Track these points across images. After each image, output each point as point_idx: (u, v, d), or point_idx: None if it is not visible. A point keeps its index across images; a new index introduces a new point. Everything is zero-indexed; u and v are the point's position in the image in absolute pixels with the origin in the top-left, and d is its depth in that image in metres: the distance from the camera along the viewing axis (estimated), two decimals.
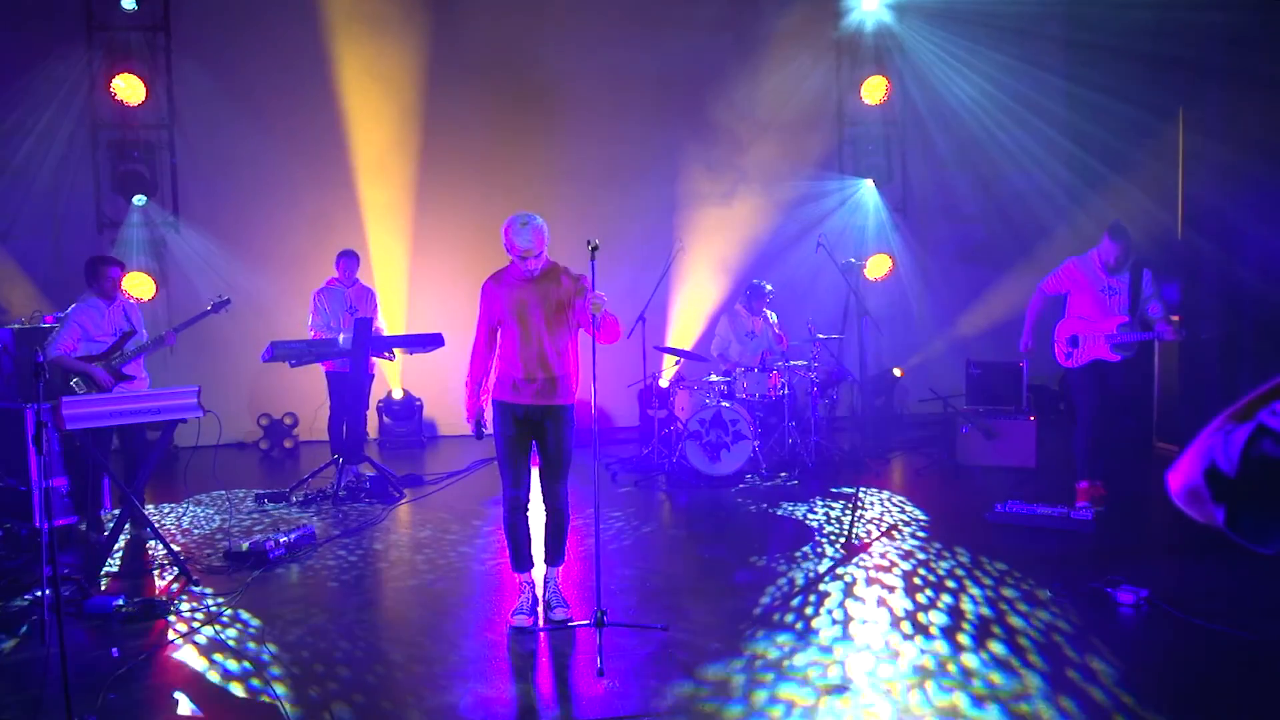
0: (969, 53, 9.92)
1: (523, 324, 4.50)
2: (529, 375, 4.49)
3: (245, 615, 4.83)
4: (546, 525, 4.70)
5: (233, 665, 4.23)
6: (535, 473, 4.71)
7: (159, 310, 8.96)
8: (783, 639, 4.39)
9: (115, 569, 5.64)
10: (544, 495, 4.67)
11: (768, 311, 8.41)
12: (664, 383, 8.40)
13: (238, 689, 4.00)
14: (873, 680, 3.95)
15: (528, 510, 4.70)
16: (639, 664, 4.15)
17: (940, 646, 4.27)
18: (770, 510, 6.82)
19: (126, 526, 5.85)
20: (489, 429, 4.64)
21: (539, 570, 4.83)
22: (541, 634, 4.48)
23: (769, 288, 8.36)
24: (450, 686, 3.99)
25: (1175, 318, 7.92)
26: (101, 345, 6.17)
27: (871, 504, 6.87)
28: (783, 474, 7.78)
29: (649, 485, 7.67)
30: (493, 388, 4.63)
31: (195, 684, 4.09)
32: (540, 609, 4.69)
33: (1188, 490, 1.50)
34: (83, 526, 6.25)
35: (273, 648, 4.40)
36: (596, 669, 3.98)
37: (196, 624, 4.71)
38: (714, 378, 7.98)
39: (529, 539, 4.74)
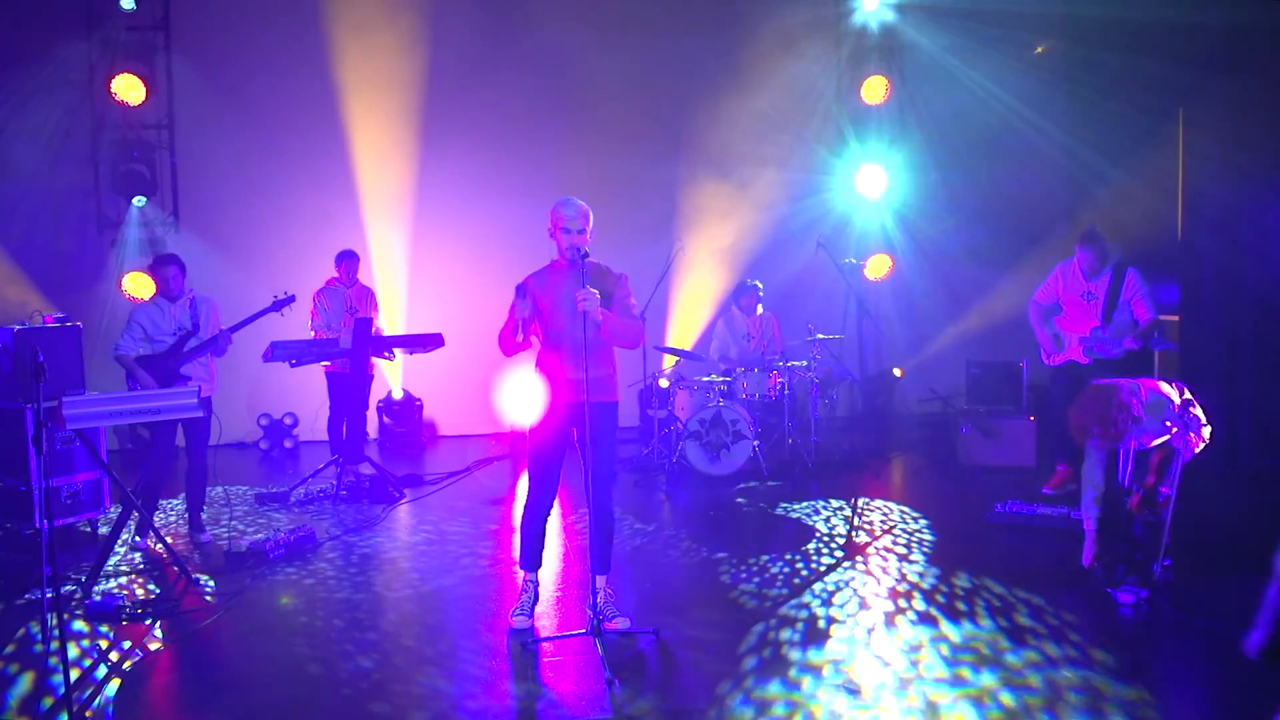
0: (969, 52, 9.91)
1: (565, 321, 4.37)
2: (575, 374, 4.31)
3: (245, 615, 4.83)
4: (594, 530, 4.46)
5: (232, 666, 4.23)
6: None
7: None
8: (783, 639, 4.39)
9: (116, 569, 5.64)
10: (592, 497, 4.41)
11: (765, 312, 8.42)
12: (664, 383, 8.40)
13: (237, 689, 4.00)
14: (873, 680, 3.95)
15: (549, 514, 4.63)
16: (639, 664, 4.15)
17: (940, 645, 4.27)
18: (770, 510, 6.82)
19: (127, 526, 5.85)
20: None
21: (543, 571, 4.79)
22: (596, 642, 4.13)
23: (759, 285, 8.39)
24: (450, 688, 3.99)
25: (1174, 318, 7.95)
26: (162, 345, 6.17)
27: (871, 504, 6.87)
28: (783, 474, 7.77)
29: (649, 485, 7.67)
30: (537, 386, 4.52)
31: (195, 684, 4.09)
32: (592, 619, 4.26)
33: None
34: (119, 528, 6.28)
35: (271, 641, 4.40)
36: (601, 674, 3.97)
37: (196, 624, 4.71)
38: (714, 378, 7.99)
39: (544, 541, 4.68)
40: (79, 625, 4.71)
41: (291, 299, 6.86)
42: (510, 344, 4.49)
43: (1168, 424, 4.68)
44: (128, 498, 5.58)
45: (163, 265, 6.29)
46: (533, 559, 4.66)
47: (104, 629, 4.66)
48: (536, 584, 4.71)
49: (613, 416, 4.53)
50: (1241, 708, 3.70)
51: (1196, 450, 4.80)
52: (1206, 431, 4.79)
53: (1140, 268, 6.58)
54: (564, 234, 4.41)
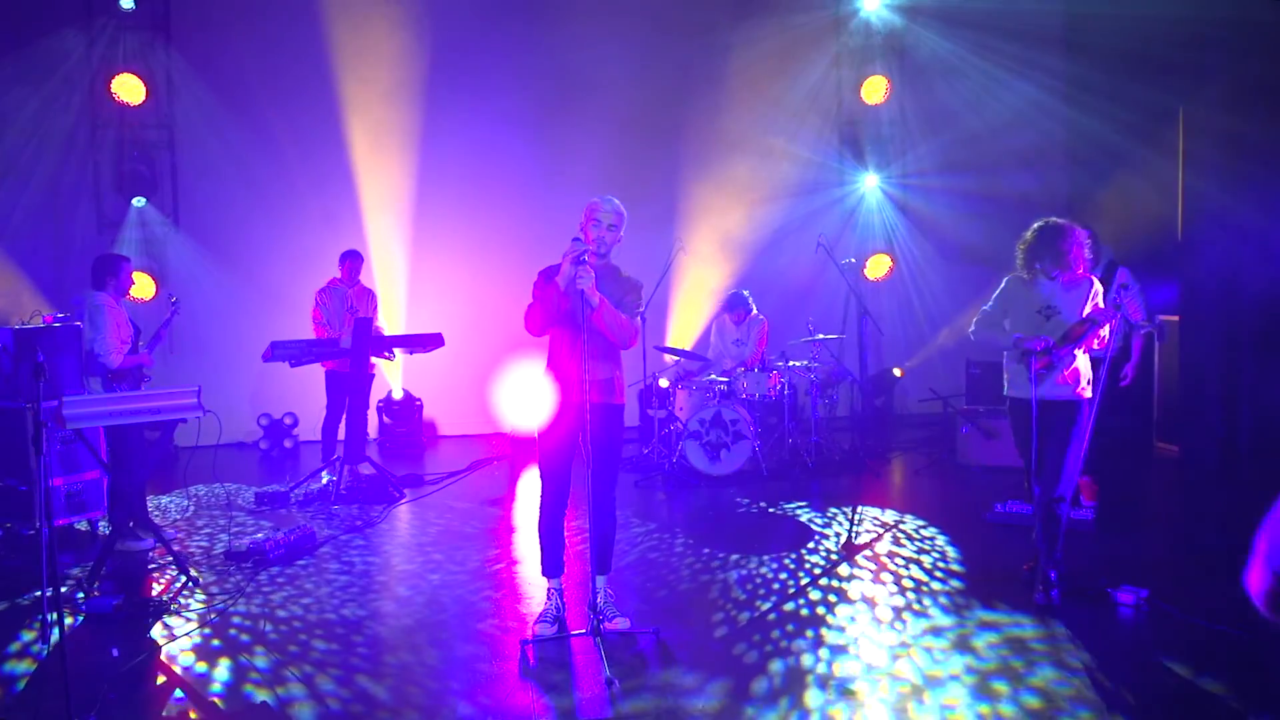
0: (970, 52, 9.92)
1: (578, 322, 4.27)
2: (583, 375, 4.23)
3: (244, 616, 4.83)
4: (595, 531, 4.41)
5: (232, 666, 4.23)
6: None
7: (159, 310, 8.95)
8: (783, 639, 4.39)
9: (115, 569, 5.64)
10: (594, 498, 4.35)
11: (756, 315, 8.47)
12: (664, 383, 8.41)
13: (236, 690, 4.00)
14: (872, 681, 3.96)
15: (564, 515, 4.59)
16: (639, 664, 4.15)
17: (939, 646, 4.27)
18: (770, 510, 6.82)
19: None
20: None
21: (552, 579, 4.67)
22: (596, 642, 4.11)
23: (745, 294, 8.51)
24: (449, 688, 3.99)
25: (1174, 318, 7.94)
26: (126, 344, 6.09)
27: (871, 504, 6.87)
28: (783, 474, 7.77)
29: (649, 485, 7.67)
30: (547, 387, 4.47)
31: (195, 684, 4.09)
32: (594, 618, 4.22)
33: (1267, 595, 1.51)
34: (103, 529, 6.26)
35: (272, 641, 4.40)
36: (601, 674, 3.97)
37: (196, 624, 4.71)
38: (714, 377, 7.99)
39: (563, 545, 4.61)
40: (78, 625, 4.72)
41: (177, 302, 6.83)
42: (539, 319, 4.34)
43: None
44: (127, 497, 5.58)
45: (125, 262, 6.17)
46: (554, 565, 4.57)
47: (103, 628, 4.66)
48: (561, 591, 4.61)
49: (619, 418, 4.51)
50: (1241, 708, 3.70)
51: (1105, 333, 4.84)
52: (1105, 331, 4.86)
53: (1141, 267, 6.58)
54: (594, 226, 4.35)
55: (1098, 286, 4.94)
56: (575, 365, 4.25)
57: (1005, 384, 5.10)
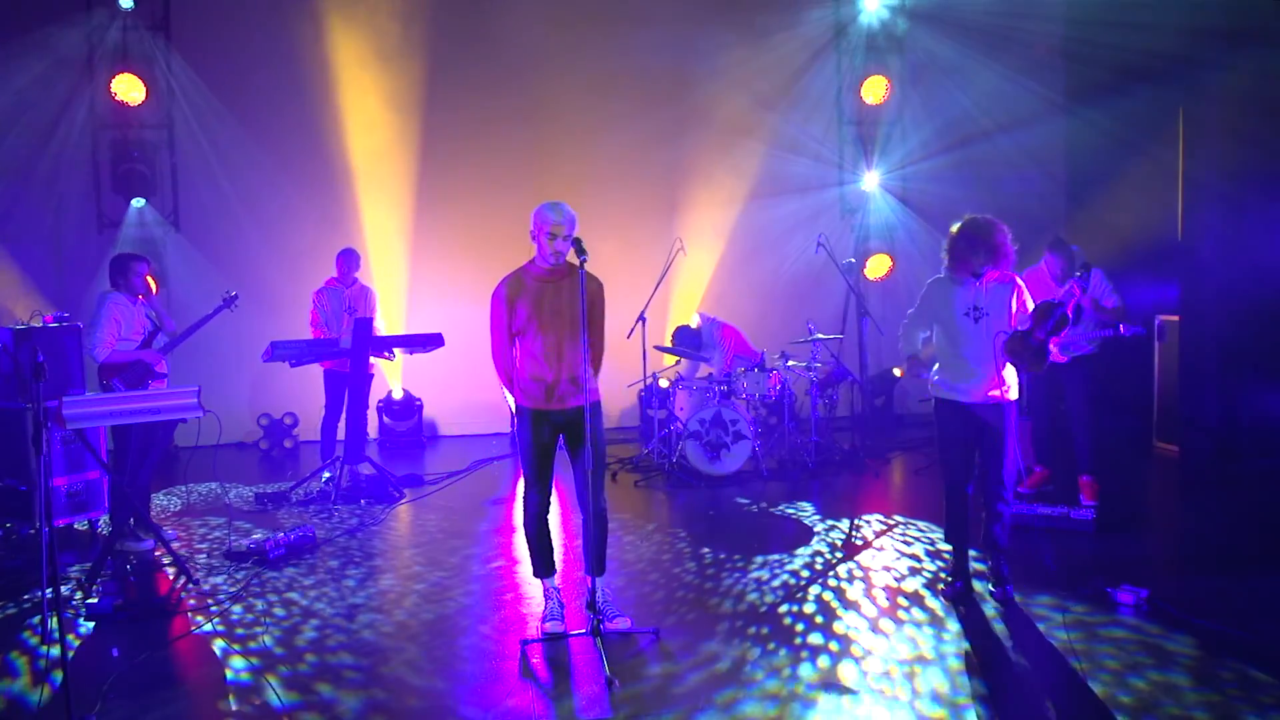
0: (969, 53, 9.91)
1: (547, 326, 4.38)
2: (559, 379, 4.35)
3: (245, 616, 4.83)
4: (589, 532, 4.43)
5: (232, 666, 4.23)
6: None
7: (159, 310, 8.96)
8: (783, 640, 4.40)
9: (115, 568, 5.63)
10: (584, 499, 4.40)
11: (710, 329, 8.54)
12: (664, 383, 8.41)
13: (236, 691, 4.00)
14: (870, 681, 3.96)
15: (548, 514, 4.63)
16: (639, 664, 4.15)
17: (938, 647, 4.28)
18: (770, 510, 6.82)
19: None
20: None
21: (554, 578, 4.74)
22: (596, 642, 4.15)
23: (694, 324, 8.63)
24: (450, 688, 3.99)
25: (1174, 318, 7.93)
26: (133, 343, 6.10)
27: (871, 504, 6.87)
28: (783, 474, 7.77)
29: (649, 485, 7.67)
30: (519, 394, 4.51)
31: (195, 684, 4.09)
32: (595, 619, 4.25)
33: None
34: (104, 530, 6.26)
35: (272, 641, 4.40)
36: (601, 674, 3.97)
37: (196, 624, 4.72)
38: (712, 376, 8.00)
39: (552, 544, 4.67)
40: (78, 625, 4.72)
41: (236, 296, 6.73)
42: (507, 360, 4.56)
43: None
44: (127, 497, 5.58)
45: (136, 262, 6.20)
46: (544, 565, 4.62)
47: (103, 629, 4.66)
48: (558, 589, 4.67)
49: (598, 415, 4.51)
50: (1240, 707, 3.70)
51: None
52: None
53: (1141, 267, 6.58)
54: (549, 239, 4.38)
55: (1020, 283, 4.86)
56: (546, 370, 4.36)
57: (933, 386, 5.01)
